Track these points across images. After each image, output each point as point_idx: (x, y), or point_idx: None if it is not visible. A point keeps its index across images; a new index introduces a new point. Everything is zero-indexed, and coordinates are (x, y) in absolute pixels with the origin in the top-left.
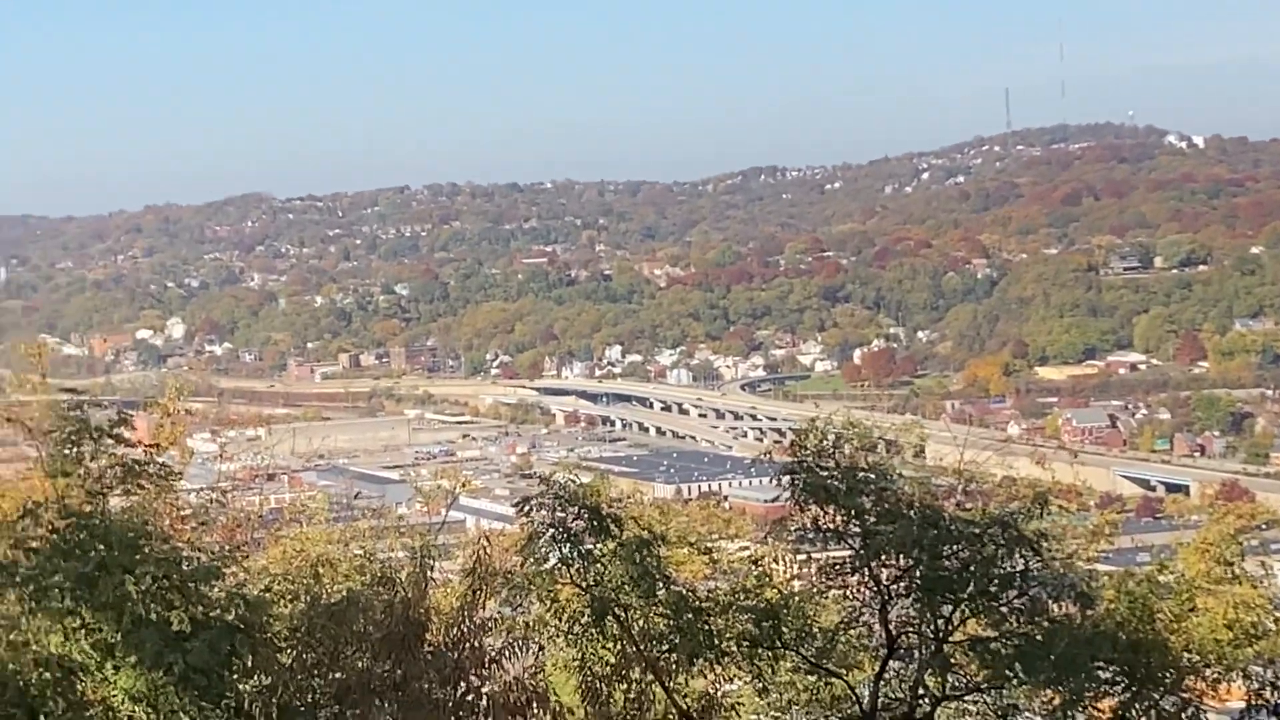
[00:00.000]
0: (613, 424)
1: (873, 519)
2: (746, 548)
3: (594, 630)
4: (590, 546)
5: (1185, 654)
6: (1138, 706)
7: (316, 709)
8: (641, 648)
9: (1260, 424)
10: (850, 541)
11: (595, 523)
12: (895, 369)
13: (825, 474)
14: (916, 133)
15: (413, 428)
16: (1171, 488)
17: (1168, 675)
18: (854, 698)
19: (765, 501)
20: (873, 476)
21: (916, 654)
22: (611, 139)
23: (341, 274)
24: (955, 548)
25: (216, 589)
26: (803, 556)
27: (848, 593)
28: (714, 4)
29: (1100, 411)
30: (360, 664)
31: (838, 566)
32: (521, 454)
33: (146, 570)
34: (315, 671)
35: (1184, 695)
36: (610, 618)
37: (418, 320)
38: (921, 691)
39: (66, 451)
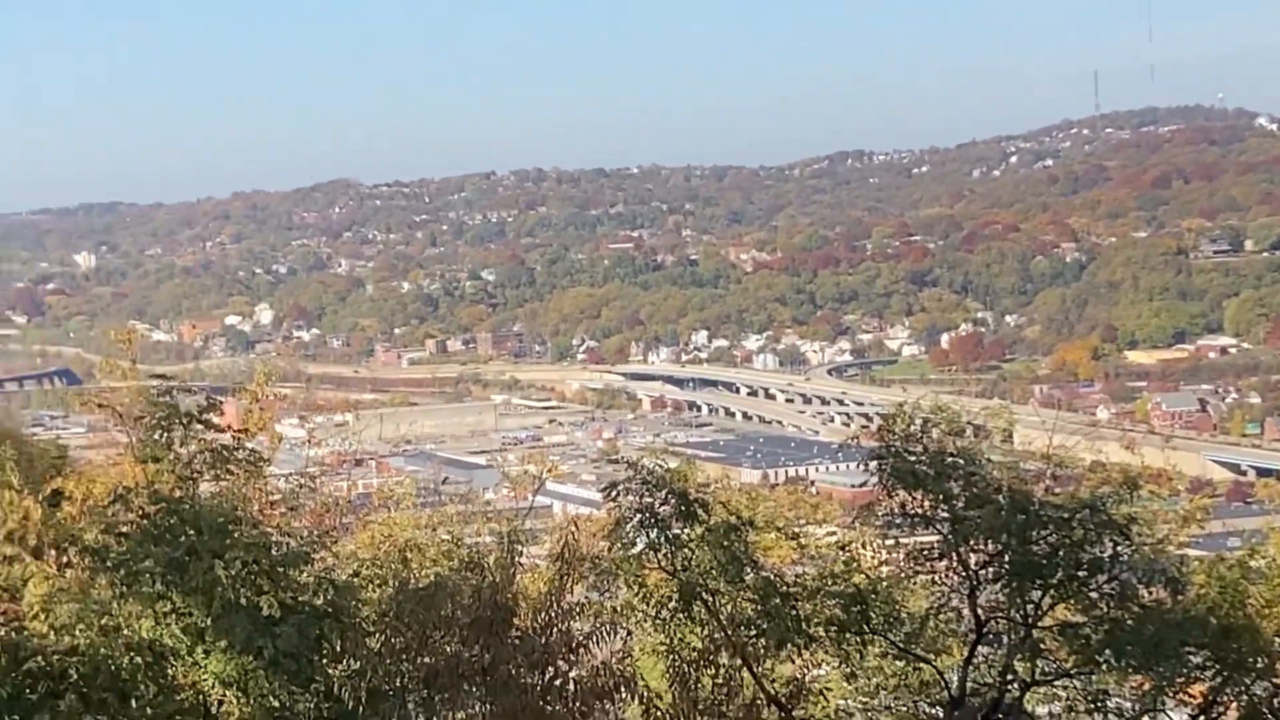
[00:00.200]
0: (699, 409)
1: (961, 504)
2: (834, 533)
3: (682, 615)
4: (678, 531)
5: (1277, 639)
6: (1228, 692)
7: (405, 693)
8: (729, 633)
9: None
10: (938, 526)
11: (683, 508)
12: (983, 353)
13: (913, 459)
14: (1004, 116)
15: (499, 413)
16: (1263, 472)
17: (1259, 661)
18: (942, 683)
19: (853, 486)
20: (961, 461)
21: (1005, 639)
22: (698, 123)
23: (428, 260)
24: (1044, 532)
25: (305, 574)
26: (890, 541)
27: (936, 578)
28: None
29: (1190, 395)
30: (448, 649)
31: (926, 551)
32: (608, 439)
33: (236, 555)
34: (404, 656)
35: (1275, 681)
36: (698, 603)
37: (504, 306)
38: (1010, 677)
39: (157, 437)
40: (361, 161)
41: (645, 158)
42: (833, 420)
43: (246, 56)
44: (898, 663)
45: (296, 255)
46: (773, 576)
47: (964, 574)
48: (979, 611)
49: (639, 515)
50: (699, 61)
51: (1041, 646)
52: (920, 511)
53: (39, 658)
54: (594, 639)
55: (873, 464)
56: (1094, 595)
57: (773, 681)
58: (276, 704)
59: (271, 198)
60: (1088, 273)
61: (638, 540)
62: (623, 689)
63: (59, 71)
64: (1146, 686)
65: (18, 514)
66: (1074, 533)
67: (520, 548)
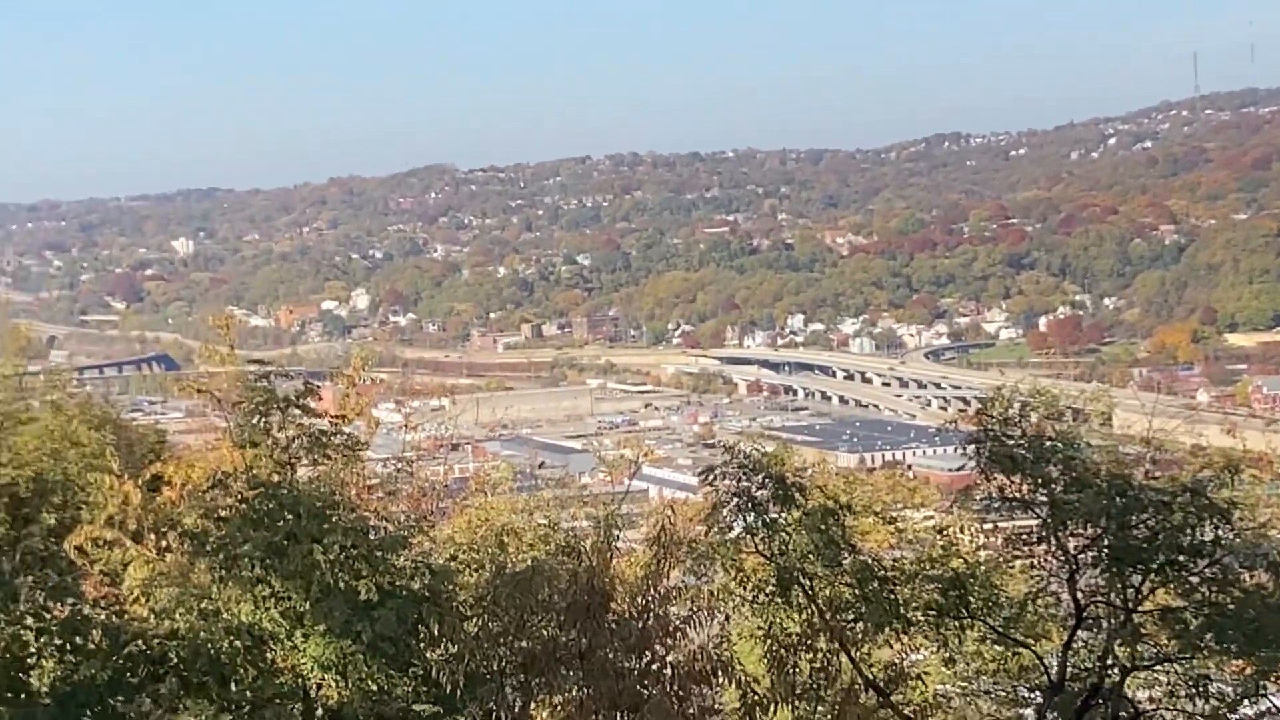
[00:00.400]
0: (795, 393)
1: (1060, 487)
2: (931, 517)
3: (779, 599)
4: (775, 515)
5: None
6: None
7: (503, 677)
8: (827, 617)
9: None
10: (1037, 510)
11: (780, 492)
12: (1081, 336)
13: (1011, 442)
14: (1103, 98)
15: (595, 397)
16: None
17: None
18: (1042, 668)
19: (950, 470)
20: (1059, 445)
21: (1105, 624)
22: (793, 106)
23: (524, 244)
24: (1144, 516)
25: (403, 558)
26: (989, 526)
27: (1034, 562)
28: None
29: None
30: (545, 633)
31: (1024, 536)
32: (704, 423)
33: (334, 540)
34: (501, 640)
35: None
36: (795, 587)
37: (599, 290)
38: (1110, 661)
39: (255, 422)
40: (457, 147)
41: (740, 141)
42: (930, 404)
43: (344, 42)
44: (996, 647)
45: (392, 240)
46: (870, 561)
47: (1063, 558)
48: (1078, 596)
49: (736, 499)
50: (794, 44)
51: (1142, 631)
52: (1019, 495)
53: (139, 641)
54: (691, 623)
55: (970, 448)
56: (1194, 580)
57: (870, 666)
58: (375, 688)
59: (368, 183)
60: (1187, 255)
61: (735, 524)
62: (720, 673)
63: (157, 59)
64: (1248, 671)
65: (118, 499)
66: (1174, 517)
67: (616, 532)
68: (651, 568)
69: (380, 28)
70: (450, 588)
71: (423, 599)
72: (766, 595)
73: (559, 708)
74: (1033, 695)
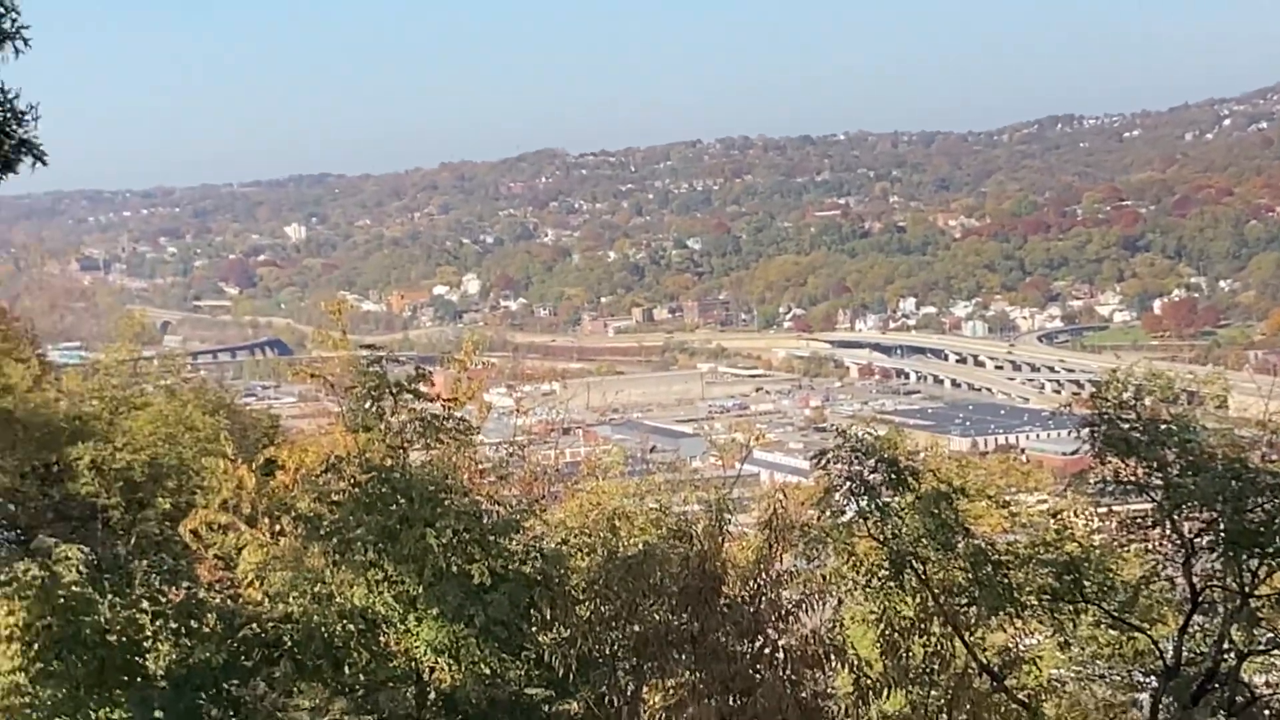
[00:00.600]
0: (907, 376)
1: (1175, 471)
2: (1045, 501)
3: (892, 583)
4: (888, 499)
5: None
6: None
7: (615, 661)
8: (940, 601)
9: None
10: (1152, 494)
11: (893, 475)
12: (1196, 319)
13: (1126, 426)
14: (1217, 78)
15: (706, 381)
16: None
17: None
18: (1157, 652)
19: (1064, 454)
20: (1175, 428)
21: (1221, 608)
22: (905, 89)
23: (634, 229)
24: (1261, 500)
25: (515, 542)
26: (1103, 509)
27: (1150, 546)
28: None
29: None
30: (657, 617)
31: (1139, 519)
32: (815, 407)
33: (447, 524)
34: (613, 624)
35: None
36: (909, 571)
37: (710, 274)
38: (1226, 646)
39: (368, 406)
40: (568, 131)
41: (852, 124)
42: (1043, 387)
43: (455, 27)
44: (1111, 632)
45: (503, 225)
46: (984, 545)
47: (1178, 542)
48: (1194, 580)
49: (848, 483)
50: (907, 26)
51: (1258, 615)
52: (1133, 479)
53: (253, 625)
54: (803, 607)
55: (1085, 431)
56: None
57: (984, 650)
58: (487, 671)
59: (479, 168)
60: None
61: (847, 508)
62: (832, 657)
63: (268, 46)
64: None
65: (232, 483)
66: None
67: (728, 516)
68: (763, 552)
69: (491, 12)
70: (562, 572)
71: (535, 583)
72: (879, 579)
73: (671, 691)
74: (1148, 680)
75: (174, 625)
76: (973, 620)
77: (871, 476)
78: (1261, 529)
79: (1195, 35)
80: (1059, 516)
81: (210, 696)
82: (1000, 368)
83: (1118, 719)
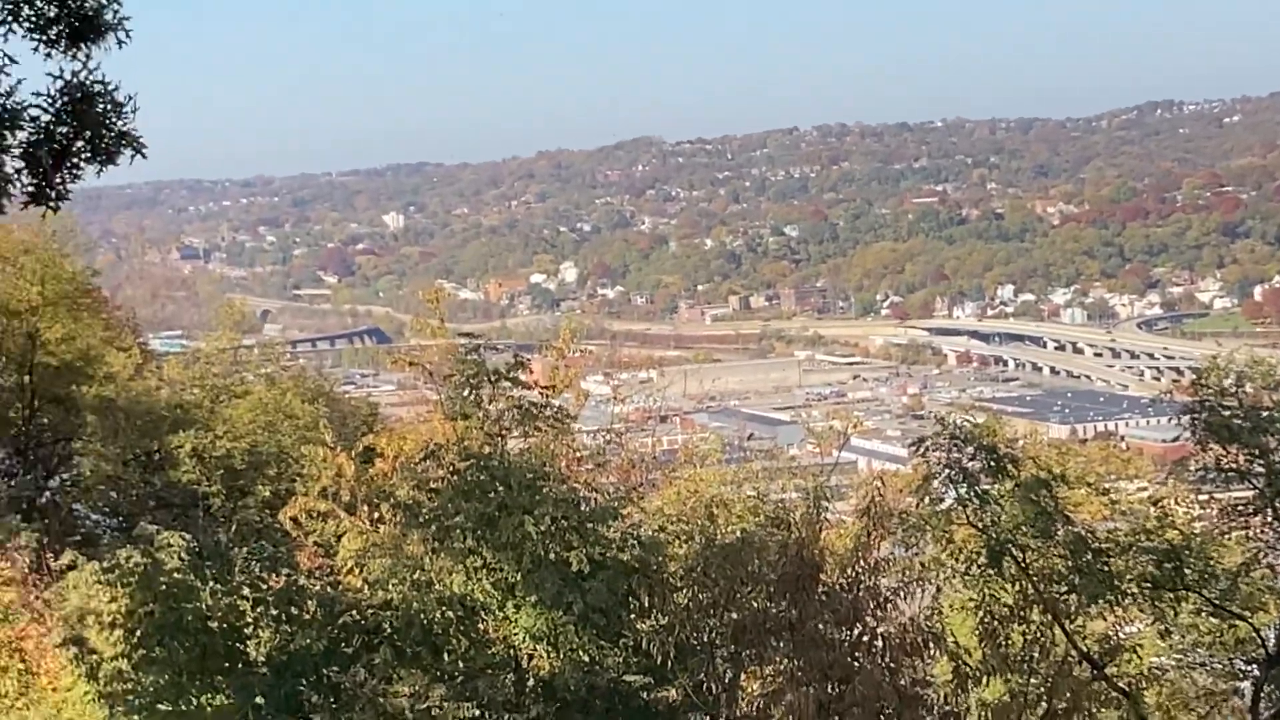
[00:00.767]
0: (1005, 364)
1: (1277, 458)
2: (1145, 488)
3: (991, 571)
4: (987, 487)
5: None
6: None
7: (713, 648)
8: (1040, 589)
9: None
10: (1254, 481)
11: (992, 463)
12: None
13: (1228, 413)
14: None
15: (803, 369)
16: None
17: None
18: (1259, 640)
19: (1164, 441)
20: (1277, 415)
21: None
22: (1003, 75)
23: (731, 216)
24: None
25: (613, 530)
26: (1204, 497)
27: (1251, 533)
28: None
29: None
30: (755, 604)
31: (1241, 507)
32: (913, 395)
33: (545, 511)
34: (711, 611)
35: None
36: (1008, 558)
37: (807, 261)
38: None
39: (466, 394)
40: (664, 119)
41: (949, 111)
42: (1143, 375)
43: (551, 16)
44: (1212, 619)
45: (600, 213)
46: (1084, 532)
47: None
48: None
49: (947, 470)
50: (1004, 12)
51: None
52: (1235, 466)
53: (353, 612)
54: (901, 595)
55: (1185, 418)
56: None
57: (1084, 638)
58: (586, 658)
59: (575, 156)
60: None
61: (946, 495)
62: (931, 645)
63: (367, 36)
64: None
65: (331, 471)
66: None
67: (825, 504)
68: (861, 539)
69: (583, 2)
70: (660, 559)
71: (633, 570)
72: (978, 567)
73: (769, 679)
74: (1249, 668)
75: (275, 612)
76: (1073, 608)
77: (970, 464)
78: None
79: None
80: (1159, 504)
81: (310, 683)
82: (1099, 355)
83: (1219, 707)
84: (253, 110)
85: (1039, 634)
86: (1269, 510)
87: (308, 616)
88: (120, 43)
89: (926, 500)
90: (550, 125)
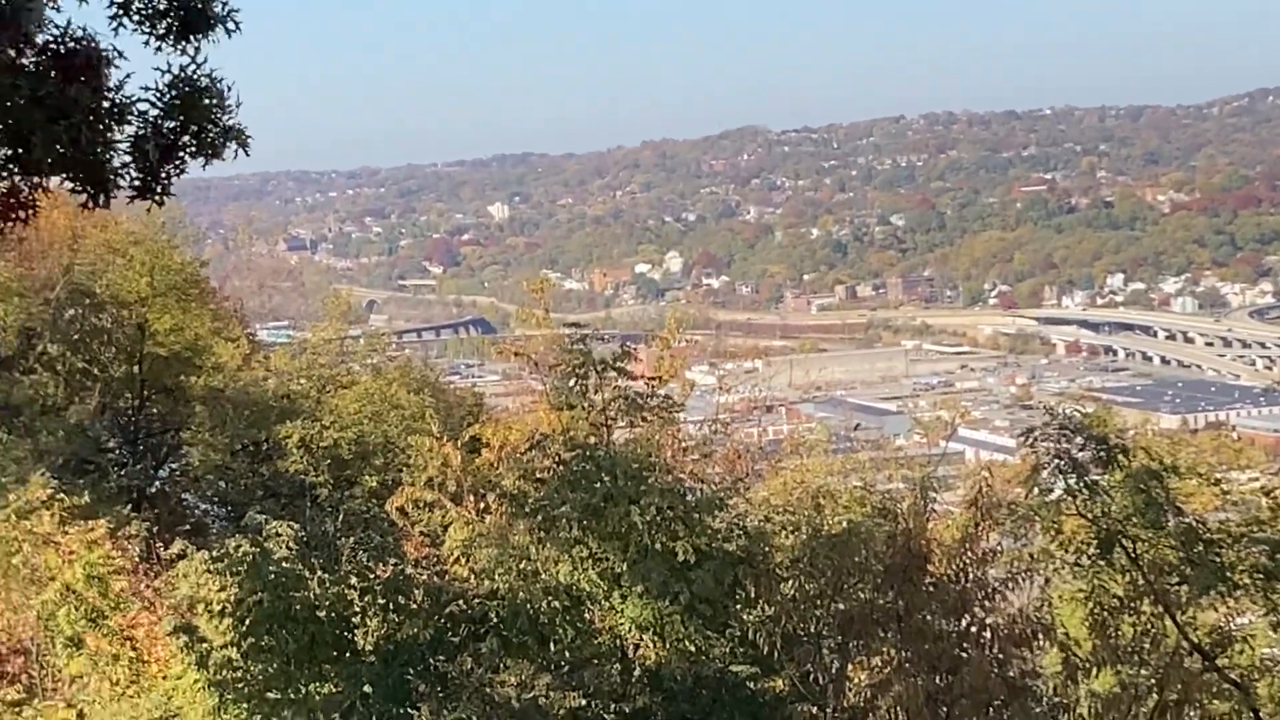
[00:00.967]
0: (1115, 353)
1: None
2: (1258, 478)
3: (1101, 562)
4: (1096, 477)
5: None
6: None
7: (820, 639)
8: (1150, 580)
9: None
10: None
11: (1102, 453)
12: None
13: None
14: None
15: (910, 359)
16: None
17: None
18: None
19: (1276, 431)
20: None
21: None
22: (1113, 62)
23: (837, 205)
24: None
25: (719, 520)
26: None
27: None
28: None
29: None
30: (862, 595)
31: None
32: (1021, 385)
33: (651, 501)
34: (818, 602)
35: None
36: (1118, 549)
37: (914, 250)
38: None
39: (572, 384)
40: (769, 108)
41: (1058, 98)
42: (1255, 364)
43: (656, 6)
44: None
45: (705, 203)
46: (1195, 523)
47: None
48: None
49: (1057, 460)
50: None
51: None
52: None
53: (460, 601)
54: (1010, 586)
55: None
56: None
57: (1195, 629)
58: (692, 648)
59: (680, 146)
60: None
61: (1055, 486)
62: (1040, 636)
63: (471, 26)
64: None
65: (437, 460)
66: None
67: (933, 494)
68: (969, 530)
69: None
70: (766, 549)
71: (739, 560)
72: (1088, 558)
73: (876, 669)
74: None
75: (382, 601)
76: (1184, 599)
77: (1080, 454)
78: None
79: None
80: (1271, 494)
81: (418, 672)
82: (1210, 344)
83: None
84: (359, 102)
85: (1149, 625)
86: None
87: (415, 606)
88: (229, 34)
89: (1035, 491)
90: (655, 115)
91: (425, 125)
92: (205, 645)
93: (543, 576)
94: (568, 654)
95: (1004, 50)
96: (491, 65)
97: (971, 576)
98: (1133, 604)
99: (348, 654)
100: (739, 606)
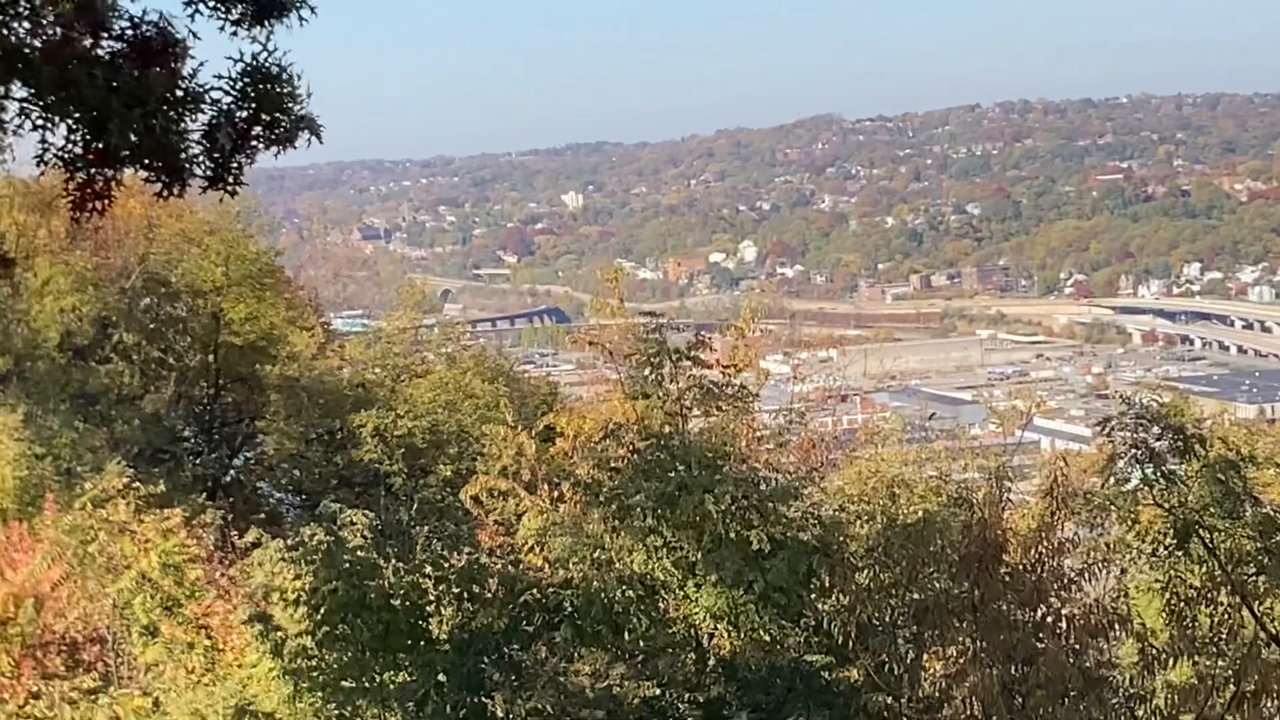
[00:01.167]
0: (1191, 343)
1: None
2: None
3: (1178, 552)
4: (1173, 467)
5: None
6: None
7: (894, 628)
8: (1228, 570)
9: None
10: None
11: (1179, 443)
12: None
13: None
14: None
15: (985, 348)
16: None
17: None
18: None
19: None
20: None
21: None
22: (1190, 50)
23: (912, 194)
24: None
25: (793, 509)
26: None
27: None
28: None
29: None
30: (937, 584)
31: None
32: (1097, 374)
33: (725, 490)
34: (892, 591)
35: None
36: (1195, 539)
37: (989, 240)
38: None
39: (646, 374)
40: (844, 96)
41: (1135, 87)
42: None
43: None
44: None
45: (779, 192)
46: (1273, 513)
47: None
48: None
49: (1133, 450)
50: None
51: None
52: None
53: (534, 590)
54: (1085, 576)
55: None
56: None
57: (1273, 620)
58: (767, 637)
59: (755, 134)
60: None
61: (1131, 476)
62: (1117, 627)
63: (544, 16)
64: None
65: (511, 449)
66: None
67: (1008, 484)
68: (1045, 520)
69: None
70: (840, 539)
71: (813, 550)
72: (1165, 548)
73: (951, 659)
74: None
75: (456, 590)
76: (1261, 589)
77: (1157, 444)
78: None
79: None
80: None
81: (492, 660)
82: None
83: None
84: (433, 91)
85: (1227, 616)
86: None
87: (489, 595)
88: (303, 20)
89: (1111, 480)
90: (730, 104)
91: (499, 114)
92: (280, 634)
93: (617, 565)
94: (642, 643)
95: (1079, 38)
96: (566, 54)
97: (1047, 566)
98: (1210, 595)
99: (422, 643)
100: (813, 596)
